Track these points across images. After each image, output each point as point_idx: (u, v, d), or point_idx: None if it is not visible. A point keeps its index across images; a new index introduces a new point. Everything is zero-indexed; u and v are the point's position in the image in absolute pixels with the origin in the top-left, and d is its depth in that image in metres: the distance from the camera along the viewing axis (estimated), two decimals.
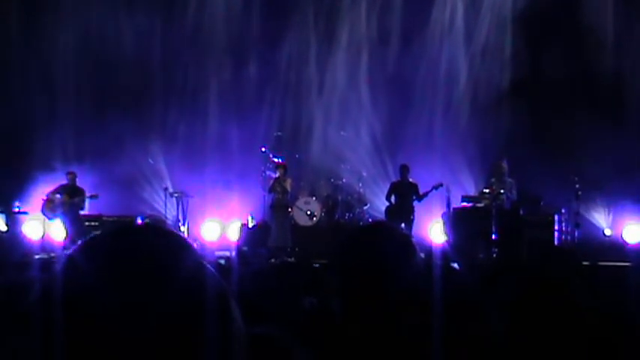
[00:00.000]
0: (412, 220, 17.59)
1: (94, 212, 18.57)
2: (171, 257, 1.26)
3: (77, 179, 18.38)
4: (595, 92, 19.15)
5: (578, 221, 17.75)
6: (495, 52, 20.31)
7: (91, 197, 18.15)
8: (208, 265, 1.29)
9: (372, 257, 2.57)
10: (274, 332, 2.05)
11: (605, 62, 19.39)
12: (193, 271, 1.25)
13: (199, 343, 1.20)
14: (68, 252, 1.28)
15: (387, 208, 18.00)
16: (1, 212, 19.16)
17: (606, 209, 19.04)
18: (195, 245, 1.31)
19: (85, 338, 1.16)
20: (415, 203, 17.73)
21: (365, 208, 19.20)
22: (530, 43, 19.81)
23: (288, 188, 18.18)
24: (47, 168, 19.31)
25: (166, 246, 1.28)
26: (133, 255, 1.24)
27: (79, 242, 1.31)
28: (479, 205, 17.23)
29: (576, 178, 17.58)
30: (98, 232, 1.33)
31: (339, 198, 19.06)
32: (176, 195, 19.11)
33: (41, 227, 17.68)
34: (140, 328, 1.16)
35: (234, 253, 15.74)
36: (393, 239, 2.67)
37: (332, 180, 19.37)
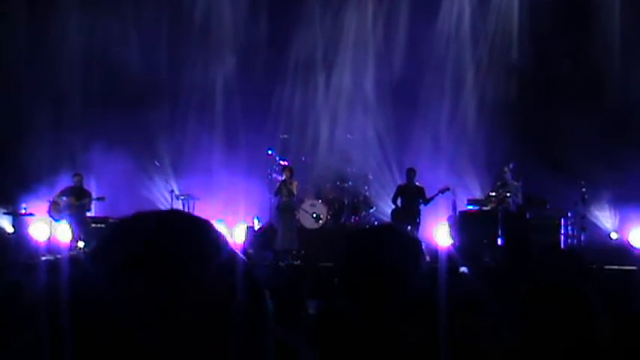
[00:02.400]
0: (418, 224, 17.58)
1: (101, 214, 18.61)
2: (202, 245, 1.21)
3: (84, 181, 18.42)
4: (603, 96, 19.12)
5: (585, 225, 17.72)
6: (502, 55, 20.31)
7: (98, 199, 18.18)
8: (240, 255, 1.25)
9: (379, 259, 2.57)
10: (280, 334, 2.04)
11: (613, 65, 19.38)
12: (226, 260, 1.20)
13: (230, 339, 1.16)
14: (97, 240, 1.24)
15: (393, 211, 17.98)
16: (8, 214, 19.20)
17: (613, 213, 19.01)
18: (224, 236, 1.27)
19: (110, 335, 1.13)
20: (421, 206, 17.72)
21: (371, 211, 19.18)
22: (537, 46, 19.79)
23: (295, 191, 18.17)
24: (53, 170, 19.34)
25: (196, 233, 1.22)
26: (163, 242, 1.18)
27: (113, 225, 1.26)
28: (485, 208, 17.23)
29: (583, 182, 17.55)
30: (125, 218, 1.28)
31: (346, 201, 19.05)
32: (182, 197, 19.13)
33: (48, 229, 17.70)
34: (168, 324, 1.13)
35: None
36: (401, 242, 2.66)
37: (338, 183, 19.35)
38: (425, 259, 2.65)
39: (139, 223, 1.24)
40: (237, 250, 1.24)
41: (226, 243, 1.23)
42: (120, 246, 1.19)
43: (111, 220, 18.36)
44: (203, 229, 1.24)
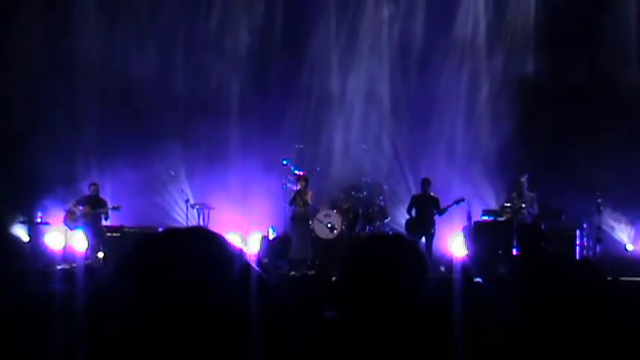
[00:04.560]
0: (433, 234, 17.57)
1: (116, 223, 18.66)
2: (219, 263, 1.26)
3: (100, 190, 18.49)
4: (618, 106, 19.04)
5: (600, 236, 17.64)
6: (517, 66, 20.25)
7: (114, 209, 18.22)
8: (256, 270, 1.29)
9: (386, 268, 2.57)
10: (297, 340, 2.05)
11: (628, 75, 19.29)
12: (240, 278, 1.25)
13: (242, 348, 1.19)
14: (121, 258, 1.29)
15: (408, 222, 17.97)
16: (24, 223, 19.27)
17: (628, 224, 18.91)
18: (242, 250, 1.31)
19: (130, 341, 1.17)
20: (436, 217, 17.70)
21: (386, 221, 19.13)
22: (552, 57, 19.73)
23: (309, 201, 18.19)
24: (69, 179, 19.41)
25: (212, 252, 1.27)
26: (179, 260, 1.24)
27: (132, 247, 1.32)
28: (500, 219, 17.19)
29: (598, 193, 17.48)
30: (148, 237, 1.34)
31: (360, 211, 19.00)
32: (197, 207, 19.16)
33: (63, 238, 17.76)
34: (185, 333, 1.16)
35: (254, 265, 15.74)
36: (409, 253, 2.66)
37: (353, 193, 19.29)
38: (426, 266, 2.65)
39: (159, 240, 1.30)
40: (252, 263, 1.29)
41: (241, 256, 1.28)
42: (142, 261, 1.24)
43: (126, 230, 18.43)
44: (218, 243, 1.27)
